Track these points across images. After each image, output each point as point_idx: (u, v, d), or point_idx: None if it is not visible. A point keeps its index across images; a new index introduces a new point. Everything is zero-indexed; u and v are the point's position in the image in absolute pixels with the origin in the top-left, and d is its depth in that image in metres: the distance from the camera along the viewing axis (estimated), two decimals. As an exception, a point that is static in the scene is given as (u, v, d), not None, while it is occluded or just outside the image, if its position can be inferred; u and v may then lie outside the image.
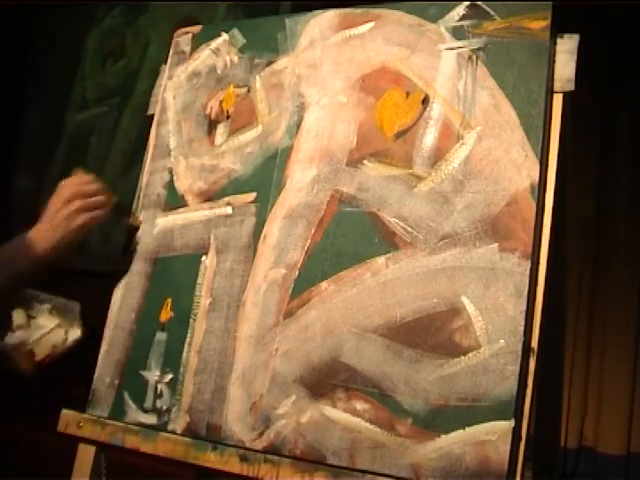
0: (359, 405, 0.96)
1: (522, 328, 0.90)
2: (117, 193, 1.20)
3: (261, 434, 1.01)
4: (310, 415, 0.99)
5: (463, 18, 1.06)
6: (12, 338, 1.17)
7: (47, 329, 1.20)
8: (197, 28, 1.35)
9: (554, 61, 1.00)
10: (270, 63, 1.22)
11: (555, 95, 0.99)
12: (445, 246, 0.97)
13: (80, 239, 1.15)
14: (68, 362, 1.20)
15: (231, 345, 1.09)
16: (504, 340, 0.90)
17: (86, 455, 1.14)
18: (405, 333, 0.96)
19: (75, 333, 1.22)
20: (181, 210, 1.22)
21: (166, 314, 1.17)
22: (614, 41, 2.69)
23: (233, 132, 1.22)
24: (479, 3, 1.06)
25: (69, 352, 1.20)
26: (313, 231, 1.08)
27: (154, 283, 1.20)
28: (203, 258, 1.17)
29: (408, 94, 1.07)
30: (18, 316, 1.19)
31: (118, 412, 1.15)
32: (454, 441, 0.89)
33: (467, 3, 1.06)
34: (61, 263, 1.14)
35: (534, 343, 0.91)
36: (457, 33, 1.06)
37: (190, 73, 1.32)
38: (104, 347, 1.21)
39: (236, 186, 1.18)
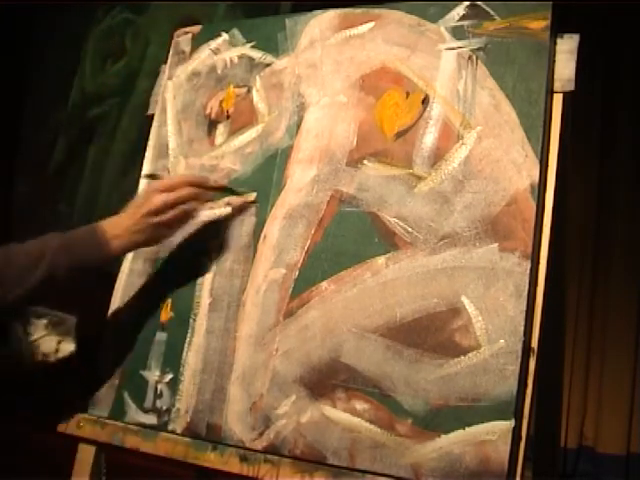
0: (359, 405, 0.96)
1: (522, 328, 0.90)
2: (117, 193, 1.19)
3: (261, 434, 1.01)
4: (310, 415, 0.99)
5: (463, 18, 1.06)
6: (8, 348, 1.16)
7: (35, 337, 1.20)
8: (197, 28, 1.35)
9: (554, 61, 1.00)
10: (270, 63, 1.22)
11: (555, 95, 0.99)
12: (445, 246, 0.97)
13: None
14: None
15: (231, 345, 1.09)
16: (504, 340, 0.90)
17: (86, 455, 1.14)
18: (405, 333, 0.96)
19: (69, 346, 1.21)
20: (181, 210, 1.22)
21: (166, 314, 1.17)
22: (614, 41, 2.69)
23: (233, 132, 1.22)
24: (479, 3, 1.05)
25: (65, 364, 1.19)
26: (313, 231, 1.08)
27: (154, 283, 1.20)
28: (203, 258, 1.17)
29: (408, 94, 1.07)
30: (17, 330, 1.18)
31: (118, 412, 1.14)
32: (454, 441, 0.89)
33: (467, 3, 1.06)
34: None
35: (534, 343, 0.91)
36: (457, 33, 1.06)
37: (190, 73, 1.32)
38: (104, 347, 1.21)
39: (236, 186, 1.18)
